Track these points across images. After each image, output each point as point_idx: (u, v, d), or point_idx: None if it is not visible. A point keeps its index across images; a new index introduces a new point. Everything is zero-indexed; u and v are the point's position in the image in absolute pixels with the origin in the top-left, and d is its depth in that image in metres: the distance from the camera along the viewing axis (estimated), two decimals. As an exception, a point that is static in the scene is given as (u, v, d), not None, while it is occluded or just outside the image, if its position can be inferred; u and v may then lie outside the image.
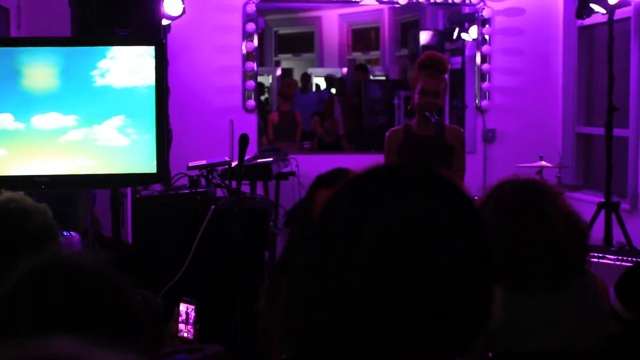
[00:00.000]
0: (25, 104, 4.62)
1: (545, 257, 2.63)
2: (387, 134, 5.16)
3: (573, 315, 2.72)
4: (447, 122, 8.15)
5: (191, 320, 3.75)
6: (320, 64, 12.34)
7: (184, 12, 6.37)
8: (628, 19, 7.19)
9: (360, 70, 10.96)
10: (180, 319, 3.73)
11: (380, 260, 1.27)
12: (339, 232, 1.33)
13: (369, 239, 1.29)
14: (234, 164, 5.65)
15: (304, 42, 12.34)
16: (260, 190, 7.30)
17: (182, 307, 3.74)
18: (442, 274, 1.27)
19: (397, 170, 1.40)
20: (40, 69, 4.63)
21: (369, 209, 1.31)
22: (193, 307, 3.75)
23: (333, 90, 11.25)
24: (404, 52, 10.89)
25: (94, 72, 4.67)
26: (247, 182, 6.49)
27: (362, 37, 11.94)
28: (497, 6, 8.33)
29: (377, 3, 8.39)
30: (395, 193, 1.33)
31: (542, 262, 2.64)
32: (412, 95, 5.08)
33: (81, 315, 1.54)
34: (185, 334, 3.74)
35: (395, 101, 10.00)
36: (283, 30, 12.03)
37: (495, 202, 2.66)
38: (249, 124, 7.92)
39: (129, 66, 4.71)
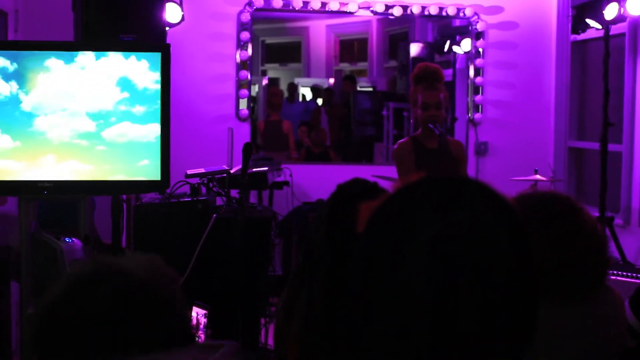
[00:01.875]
0: (28, 108, 4.58)
1: (567, 269, 2.62)
2: (395, 146, 5.15)
3: (592, 330, 2.70)
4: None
5: (202, 326, 3.71)
6: (307, 74, 12.34)
7: (183, 19, 6.35)
8: (622, 34, 7.24)
9: (348, 81, 10.96)
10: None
11: (431, 271, 1.26)
12: (388, 244, 1.31)
13: (420, 250, 1.27)
14: (232, 171, 5.63)
15: (290, 52, 12.34)
16: (252, 199, 7.28)
17: (193, 313, 3.71)
18: (494, 287, 1.26)
19: (444, 182, 1.38)
20: (43, 73, 4.58)
21: (419, 220, 1.30)
22: (204, 312, 3.71)
23: (319, 101, 11.25)
24: (392, 63, 10.91)
25: (98, 77, 4.63)
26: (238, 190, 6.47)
27: (349, 48, 11.95)
28: (491, 20, 8.36)
29: (371, 14, 8.38)
30: (445, 205, 1.32)
31: (564, 274, 2.62)
32: (413, 110, 5.08)
33: (131, 325, 1.51)
34: (196, 339, 3.70)
35: (384, 112, 10.00)
36: (270, 40, 12.03)
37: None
38: (243, 133, 7.89)
39: (132, 72, 4.68)
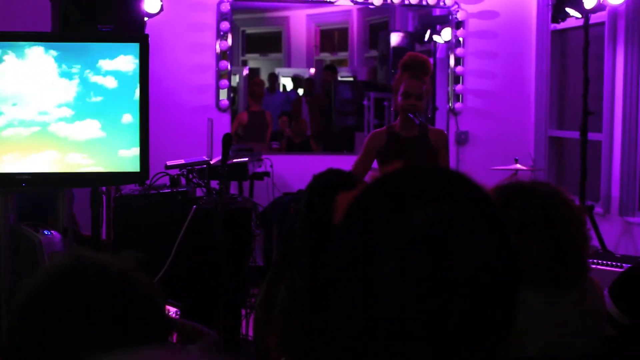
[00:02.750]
0: (3, 100, 4.54)
1: (549, 257, 2.61)
2: (369, 134, 5.14)
3: (573, 319, 2.70)
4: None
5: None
6: (288, 64, 12.31)
7: (162, 9, 6.31)
8: (602, 23, 7.26)
9: (329, 70, 10.94)
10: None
11: (412, 263, 1.25)
12: (365, 236, 1.29)
13: (401, 242, 1.26)
14: (212, 162, 5.61)
15: (271, 42, 12.30)
16: (233, 190, 7.26)
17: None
18: (476, 279, 1.25)
19: (422, 173, 1.37)
20: (16, 65, 4.54)
21: (399, 212, 1.28)
22: (176, 310, 3.68)
23: (300, 91, 11.23)
24: (373, 53, 10.89)
25: (73, 69, 4.60)
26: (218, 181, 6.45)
27: (330, 37, 11.93)
28: (471, 9, 8.36)
29: (351, 3, 8.36)
30: (424, 196, 1.30)
31: (546, 262, 2.61)
32: (394, 98, 5.07)
33: (109, 319, 1.49)
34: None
35: (365, 102, 9.99)
36: (250, 30, 11.98)
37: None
38: (223, 124, 7.86)
39: (109, 63, 4.65)
